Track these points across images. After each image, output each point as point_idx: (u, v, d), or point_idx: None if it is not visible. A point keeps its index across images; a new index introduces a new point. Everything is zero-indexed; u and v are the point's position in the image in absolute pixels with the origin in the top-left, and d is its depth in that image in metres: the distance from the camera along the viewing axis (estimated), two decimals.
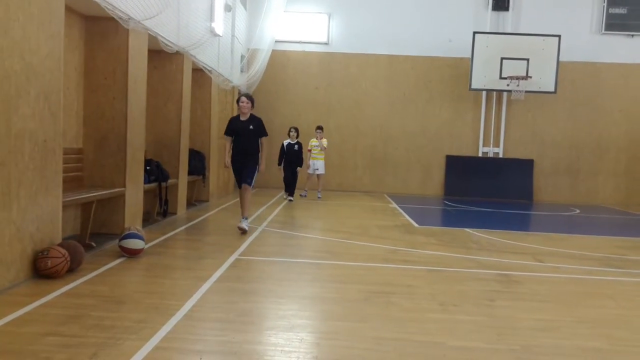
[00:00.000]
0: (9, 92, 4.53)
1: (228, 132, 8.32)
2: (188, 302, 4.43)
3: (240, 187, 8.30)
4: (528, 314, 4.62)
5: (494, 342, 3.89)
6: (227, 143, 8.39)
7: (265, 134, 8.28)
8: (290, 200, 12.39)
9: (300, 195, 13.90)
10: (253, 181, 8.22)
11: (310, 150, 14.01)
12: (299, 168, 13.18)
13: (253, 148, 8.15)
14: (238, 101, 8.30)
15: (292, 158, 13.07)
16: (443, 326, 4.18)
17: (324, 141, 14.04)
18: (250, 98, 8.28)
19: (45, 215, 5.21)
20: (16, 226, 4.72)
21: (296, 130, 13.11)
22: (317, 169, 14.00)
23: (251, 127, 8.13)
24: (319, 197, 13.86)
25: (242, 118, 8.19)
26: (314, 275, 5.76)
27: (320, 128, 14.14)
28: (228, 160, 8.33)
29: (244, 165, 8.13)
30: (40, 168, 5.06)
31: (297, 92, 16.77)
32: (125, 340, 3.55)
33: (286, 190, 13.01)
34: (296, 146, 13.13)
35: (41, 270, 4.95)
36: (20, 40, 4.66)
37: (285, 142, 13.15)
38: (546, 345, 3.87)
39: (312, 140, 14.10)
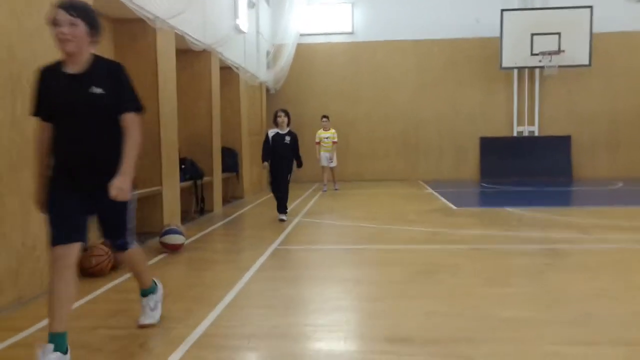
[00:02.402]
0: None
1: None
2: (231, 292, 4.42)
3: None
4: (580, 284, 4.47)
5: (547, 311, 3.76)
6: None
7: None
8: (282, 220, 8.37)
9: (323, 190, 13.23)
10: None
11: (319, 143, 13.33)
12: (296, 169, 8.72)
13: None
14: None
15: (281, 156, 8.34)
16: (493, 299, 4.07)
17: (334, 132, 13.28)
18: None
19: None
20: None
21: (286, 114, 8.47)
22: (331, 161, 13.25)
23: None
24: (336, 189, 13.30)
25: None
26: (355, 260, 5.70)
27: (326, 117, 13.43)
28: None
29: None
30: None
31: (325, 84, 16.71)
32: (172, 329, 3.56)
33: (278, 207, 8.56)
34: (287, 138, 8.38)
35: (85, 268, 5.01)
36: (50, 47, 4.70)
37: (271, 132, 8.43)
38: (601, 313, 3.73)
39: (319, 131, 13.44)
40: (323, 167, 13.42)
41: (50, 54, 4.63)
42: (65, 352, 2.91)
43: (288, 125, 8.52)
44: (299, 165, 8.67)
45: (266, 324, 3.66)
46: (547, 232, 6.89)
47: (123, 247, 3.51)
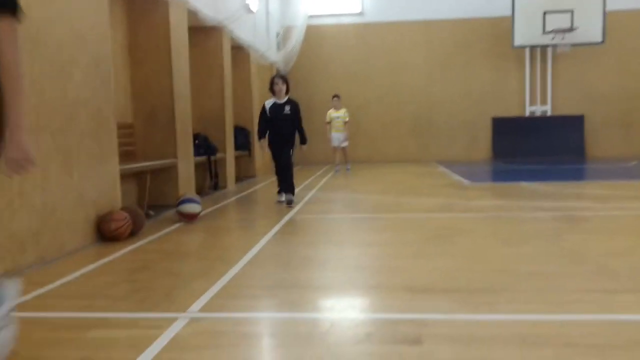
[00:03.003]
0: (62, 60, 4.62)
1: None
2: (250, 252, 4.45)
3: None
4: (599, 244, 4.47)
5: (566, 266, 3.76)
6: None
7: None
8: (283, 203, 7.39)
9: (335, 170, 12.92)
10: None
11: (329, 123, 13.02)
12: (301, 146, 7.86)
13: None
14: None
15: (281, 129, 7.34)
16: (511, 257, 4.08)
17: (345, 111, 13.04)
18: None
19: (105, 182, 5.33)
20: (78, 191, 4.84)
21: (284, 80, 7.36)
22: (343, 142, 12.97)
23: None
24: (348, 170, 13.10)
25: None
26: (371, 227, 5.72)
27: (337, 96, 13.13)
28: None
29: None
30: (96, 136, 5.16)
31: (335, 66, 16.66)
32: (194, 283, 3.60)
33: (279, 186, 7.61)
34: (287, 108, 7.35)
35: (105, 233, 5.07)
36: (66, 10, 4.73)
37: (268, 103, 7.41)
38: (622, 266, 3.73)
39: (330, 111, 13.09)
40: (334, 147, 13.14)
41: (67, 16, 4.67)
42: None
43: (287, 93, 7.37)
44: (303, 141, 7.62)
45: (286, 277, 3.69)
46: (561, 202, 6.87)
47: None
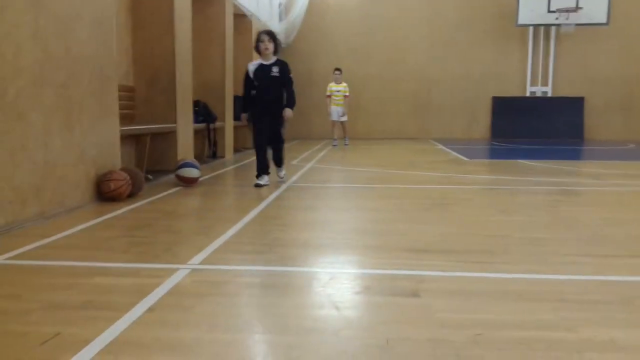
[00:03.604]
0: (66, 14, 4.59)
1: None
2: (250, 213, 4.49)
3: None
4: (594, 214, 4.51)
5: (563, 232, 3.82)
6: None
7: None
8: (263, 186, 6.11)
9: (333, 145, 12.95)
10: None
11: (329, 96, 13.00)
12: (286, 114, 6.23)
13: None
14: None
15: (268, 95, 6.13)
16: (508, 225, 4.12)
17: (345, 86, 13.07)
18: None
19: (105, 141, 5.33)
20: (79, 148, 4.84)
21: (271, 38, 6.13)
22: (342, 116, 13.03)
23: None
24: (346, 145, 13.09)
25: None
26: (370, 195, 5.75)
27: (338, 70, 13.13)
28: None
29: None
30: (98, 94, 5.15)
31: (337, 40, 16.54)
32: (195, 239, 3.64)
33: (258, 169, 6.26)
34: (275, 69, 6.12)
35: (105, 192, 5.08)
36: None
37: (252, 65, 6.23)
38: (617, 234, 3.78)
39: (330, 84, 13.06)
40: (333, 121, 13.18)
41: None
42: None
43: (275, 53, 6.18)
44: (290, 103, 6.19)
45: (287, 236, 3.73)
46: (558, 178, 6.91)
47: None
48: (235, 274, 2.86)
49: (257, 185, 6.12)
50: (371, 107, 16.58)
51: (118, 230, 3.93)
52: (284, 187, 6.15)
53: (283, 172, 6.64)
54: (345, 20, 16.49)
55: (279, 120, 6.25)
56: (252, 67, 6.21)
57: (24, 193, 4.07)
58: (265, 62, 6.16)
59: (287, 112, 6.20)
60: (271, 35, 6.15)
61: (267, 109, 6.15)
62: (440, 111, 16.52)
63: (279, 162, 6.56)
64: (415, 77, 16.49)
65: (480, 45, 16.22)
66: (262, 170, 6.25)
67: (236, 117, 10.98)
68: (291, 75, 6.26)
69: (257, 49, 6.20)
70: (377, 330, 2.11)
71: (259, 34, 6.19)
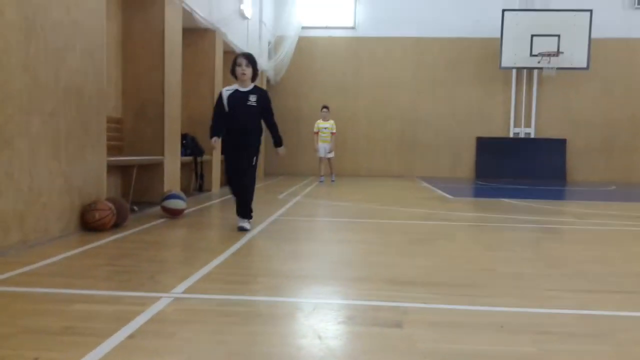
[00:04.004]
0: (57, 44, 4.64)
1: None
2: (235, 245, 4.48)
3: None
4: (576, 252, 4.57)
5: (546, 269, 3.85)
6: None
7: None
8: (243, 229, 5.29)
9: (320, 181, 12.69)
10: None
11: (317, 133, 12.91)
12: (277, 150, 5.75)
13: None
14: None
15: (242, 126, 5.39)
16: (492, 259, 4.16)
17: (332, 123, 12.93)
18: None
19: (92, 171, 5.33)
20: (65, 177, 4.84)
21: (250, 61, 5.41)
22: (329, 152, 12.91)
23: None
24: (332, 181, 12.97)
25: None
26: (356, 228, 5.77)
27: (326, 107, 13.00)
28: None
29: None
30: (86, 124, 5.17)
31: (325, 78, 16.79)
32: (178, 268, 3.62)
33: (238, 208, 5.47)
34: (253, 98, 5.39)
35: (89, 222, 5.05)
36: None
37: (227, 91, 5.50)
38: (598, 270, 3.83)
39: (318, 121, 12.99)
40: (320, 158, 13.10)
41: (64, 0, 4.70)
42: None
43: (253, 80, 5.45)
44: (278, 142, 5.55)
45: (270, 267, 3.73)
46: (541, 217, 6.99)
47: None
48: (218, 303, 2.85)
49: (242, 229, 5.28)
50: (358, 144, 16.74)
51: (101, 259, 3.90)
52: (270, 219, 6.16)
53: (247, 224, 5.34)
54: (333, 59, 16.78)
55: (250, 155, 5.34)
56: (226, 92, 5.43)
57: (7, 220, 4.04)
58: (241, 89, 5.36)
59: (281, 152, 5.66)
60: (250, 59, 5.40)
61: (237, 141, 5.31)
62: (426, 150, 16.71)
63: (244, 210, 5.37)
64: (402, 116, 16.73)
65: (466, 86, 16.55)
66: (243, 213, 5.41)
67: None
68: (271, 106, 5.44)
69: (233, 73, 5.41)
70: None
71: (237, 57, 5.44)
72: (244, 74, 5.33)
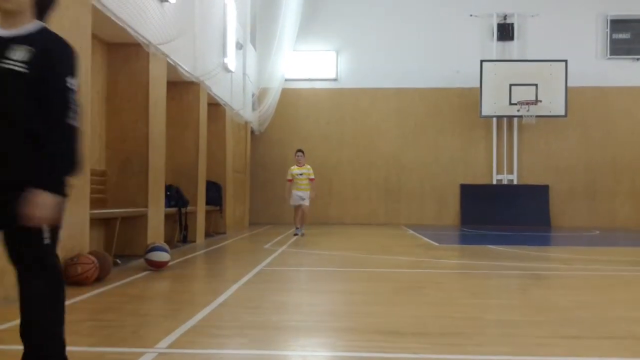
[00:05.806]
0: None
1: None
2: (220, 297, 4.41)
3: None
4: (563, 298, 4.56)
5: (533, 316, 3.83)
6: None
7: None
8: None
9: (294, 234, 11.16)
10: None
11: (291, 180, 11.45)
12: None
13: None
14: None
15: None
16: (479, 307, 4.13)
17: (309, 168, 11.55)
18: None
19: (74, 224, 5.25)
20: None
21: None
22: (304, 200, 11.29)
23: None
24: (302, 234, 11.17)
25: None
26: (342, 278, 5.73)
27: (300, 151, 11.67)
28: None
29: None
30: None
31: (309, 128, 16.96)
32: (162, 322, 3.55)
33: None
34: (18, 50, 2.17)
35: (71, 276, 4.94)
36: None
37: None
38: (586, 316, 3.82)
39: (292, 167, 11.57)
40: (295, 207, 11.47)
41: None
42: None
43: (41, 18, 2.34)
44: (44, 175, 2.14)
45: (257, 319, 3.66)
46: (527, 263, 7.00)
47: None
48: (204, 358, 2.78)
49: None
50: (343, 192, 16.79)
51: (84, 314, 3.81)
52: (255, 270, 6.09)
53: None
54: (317, 109, 17.00)
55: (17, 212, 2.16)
56: None
57: None
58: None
59: (44, 202, 2.14)
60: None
61: None
62: (411, 197, 16.80)
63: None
64: (386, 164, 16.87)
65: (448, 134, 16.81)
66: None
67: (209, 202, 10.96)
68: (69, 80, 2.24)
69: None
70: None
71: None
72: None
